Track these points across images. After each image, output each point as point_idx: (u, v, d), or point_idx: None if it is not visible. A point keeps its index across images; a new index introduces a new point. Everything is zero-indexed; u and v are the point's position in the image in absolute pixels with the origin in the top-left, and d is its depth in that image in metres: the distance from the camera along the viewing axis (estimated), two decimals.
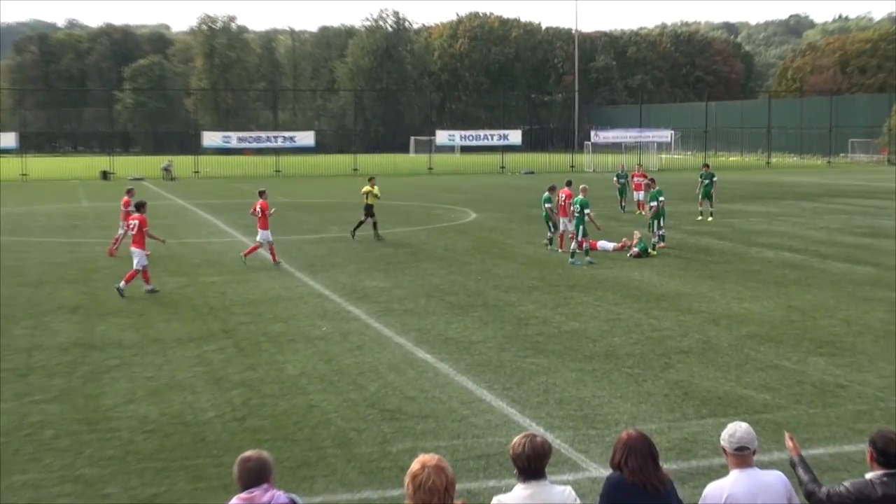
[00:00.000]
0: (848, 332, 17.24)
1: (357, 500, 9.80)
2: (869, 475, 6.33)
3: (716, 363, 15.02)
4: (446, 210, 43.98)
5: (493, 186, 62.51)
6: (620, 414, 12.48)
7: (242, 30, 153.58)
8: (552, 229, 29.51)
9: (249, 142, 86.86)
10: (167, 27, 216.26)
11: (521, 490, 5.97)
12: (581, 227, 26.36)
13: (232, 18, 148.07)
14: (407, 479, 5.33)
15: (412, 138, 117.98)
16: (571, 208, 27.10)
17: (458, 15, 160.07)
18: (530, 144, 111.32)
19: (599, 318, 18.80)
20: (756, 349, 15.96)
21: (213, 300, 21.23)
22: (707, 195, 37.96)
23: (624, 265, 25.96)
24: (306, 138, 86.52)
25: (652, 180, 31.82)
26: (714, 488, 6.40)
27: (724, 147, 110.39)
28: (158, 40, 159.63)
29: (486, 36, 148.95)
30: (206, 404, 13.14)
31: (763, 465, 6.92)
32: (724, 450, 6.47)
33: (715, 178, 38.47)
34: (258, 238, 26.92)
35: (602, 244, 28.72)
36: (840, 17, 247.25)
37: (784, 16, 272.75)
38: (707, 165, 40.02)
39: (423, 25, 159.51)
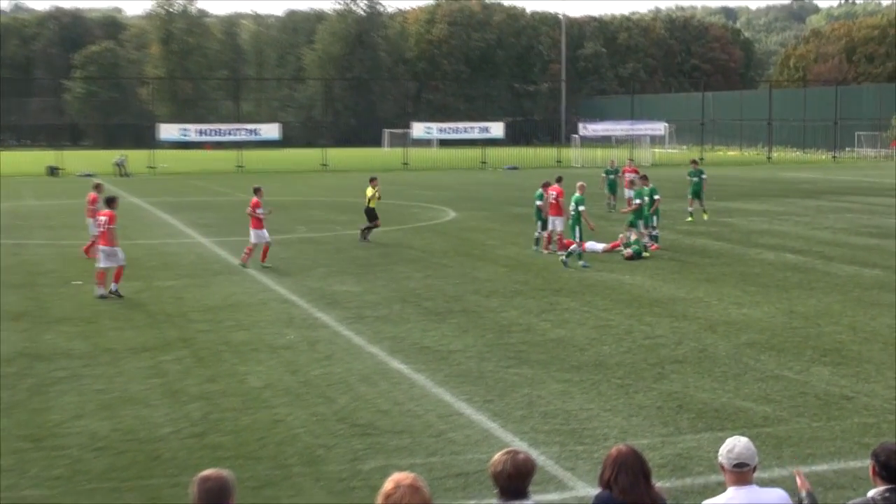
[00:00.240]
0: (854, 340, 17.32)
1: None
2: (871, 492, 6.35)
3: (712, 373, 15.06)
4: (423, 209, 43.98)
5: (474, 183, 62.58)
6: (610, 428, 12.49)
7: (202, 14, 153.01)
8: (541, 229, 29.51)
9: (209, 135, 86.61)
10: (120, 11, 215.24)
11: None
12: (578, 228, 26.34)
13: (191, 1, 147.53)
14: (379, 500, 5.32)
15: (386, 131, 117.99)
16: (570, 207, 27.06)
17: None
18: (513, 138, 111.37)
19: (588, 324, 18.82)
20: (756, 358, 16.02)
21: (170, 306, 21.14)
22: (696, 194, 37.94)
23: (614, 268, 26.01)
24: (271, 131, 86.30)
25: (644, 177, 31.82)
26: None
27: (721, 141, 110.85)
28: (111, 25, 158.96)
29: (465, 21, 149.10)
30: (162, 419, 13.08)
31: (763, 483, 6.95)
32: (721, 466, 6.48)
33: (704, 176, 38.47)
34: (252, 240, 26.74)
35: (591, 245, 28.74)
36: (846, 1, 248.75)
37: (786, 0, 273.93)
38: (695, 161, 39.99)
39: (398, 10, 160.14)
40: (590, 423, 12.69)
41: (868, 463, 6.43)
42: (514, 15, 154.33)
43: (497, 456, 6.02)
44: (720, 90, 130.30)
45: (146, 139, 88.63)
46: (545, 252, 28.66)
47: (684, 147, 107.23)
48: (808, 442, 11.93)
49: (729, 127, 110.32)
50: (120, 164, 74.78)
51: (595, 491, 6.55)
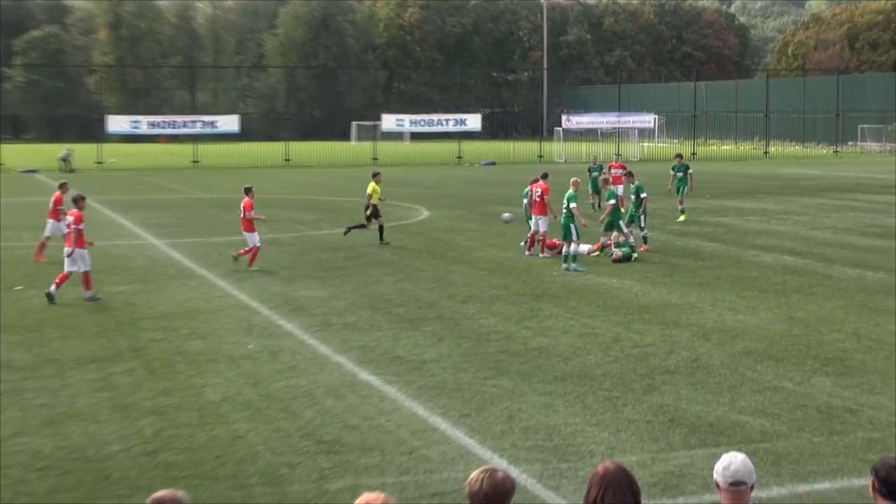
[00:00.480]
0: (858, 348, 17.41)
1: None
2: None
3: (706, 385, 15.11)
4: (394, 207, 43.94)
5: (449, 179, 62.60)
6: (596, 444, 12.52)
7: None
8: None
9: (162, 127, 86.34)
10: None
11: None
12: (572, 227, 26.35)
13: None
14: None
15: (354, 123, 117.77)
16: (563, 205, 27.04)
17: None
18: (491, 131, 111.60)
19: (572, 332, 18.85)
20: (753, 368, 16.08)
21: (120, 313, 21.06)
22: (680, 191, 37.93)
23: (601, 271, 26.07)
24: (230, 123, 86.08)
25: (629, 174, 31.87)
26: None
27: (715, 134, 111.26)
28: (55, 8, 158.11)
29: (439, 4, 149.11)
30: (111, 436, 13.03)
31: (761, 503, 6.97)
32: (716, 485, 6.50)
33: (690, 171, 38.40)
34: (249, 243, 26.98)
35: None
36: None
37: None
38: (680, 156, 39.86)
39: None
40: (574, 439, 12.70)
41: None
42: None
43: (474, 474, 6.01)
44: (713, 79, 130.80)
45: (93, 132, 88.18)
46: (527, 254, 28.70)
47: (675, 141, 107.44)
48: (809, 458, 11.99)
49: (723, 119, 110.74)
50: (65, 159, 74.41)
51: None
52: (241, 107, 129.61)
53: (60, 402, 14.59)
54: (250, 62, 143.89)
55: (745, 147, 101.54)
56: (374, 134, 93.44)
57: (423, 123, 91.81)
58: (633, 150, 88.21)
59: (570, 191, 27.11)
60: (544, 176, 29.55)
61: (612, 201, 28.66)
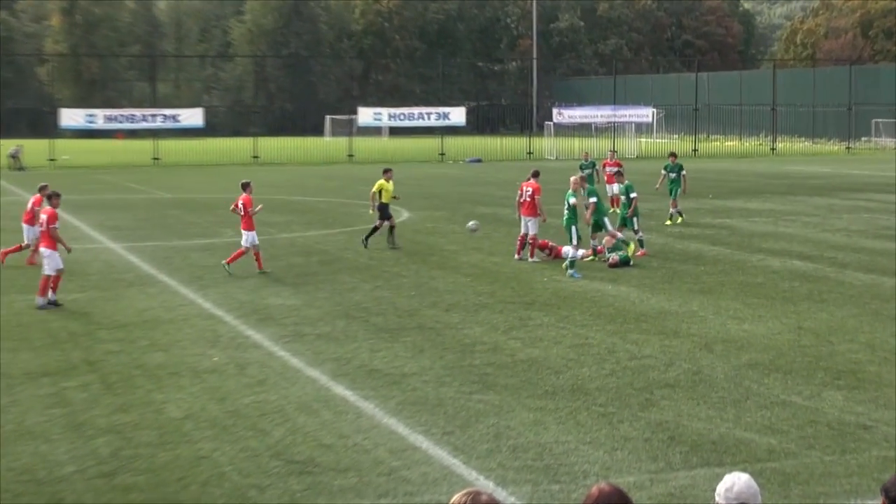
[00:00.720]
0: (872, 360, 17.46)
1: None
2: None
3: (709, 399, 15.14)
4: (371, 208, 43.89)
5: (431, 178, 62.58)
6: (590, 464, 12.53)
7: None
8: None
9: (120, 121, 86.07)
10: None
11: None
12: (574, 229, 26.34)
13: None
14: None
15: (328, 117, 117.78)
16: (567, 205, 27.00)
17: None
18: (477, 125, 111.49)
19: (564, 343, 18.86)
20: (759, 382, 16.11)
21: (74, 323, 21.01)
22: (674, 192, 37.56)
23: (595, 276, 26.10)
24: (193, 117, 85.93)
25: (618, 172, 31.80)
26: None
27: (718, 129, 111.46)
28: None
29: None
30: (64, 456, 12.99)
31: None
32: None
33: (684, 172, 37.94)
34: (243, 242, 27.10)
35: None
36: None
37: None
38: (674, 155, 39.52)
39: None
40: (567, 459, 12.71)
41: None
42: None
43: (456, 497, 6.00)
44: (716, 70, 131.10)
45: (45, 126, 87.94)
46: (516, 258, 28.69)
47: (675, 136, 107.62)
48: (820, 478, 12.01)
49: (727, 113, 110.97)
50: (14, 156, 74.11)
51: None
52: (206, 99, 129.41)
53: (9, 419, 14.53)
54: (215, 51, 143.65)
55: (751, 143, 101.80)
56: (349, 129, 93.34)
57: (402, 117, 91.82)
58: (629, 146, 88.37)
59: (571, 190, 27.09)
60: (535, 174, 29.50)
61: (593, 199, 28.35)
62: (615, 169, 38.48)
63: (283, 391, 15.80)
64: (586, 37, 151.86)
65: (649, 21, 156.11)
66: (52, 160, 75.69)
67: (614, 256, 27.70)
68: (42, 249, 23.02)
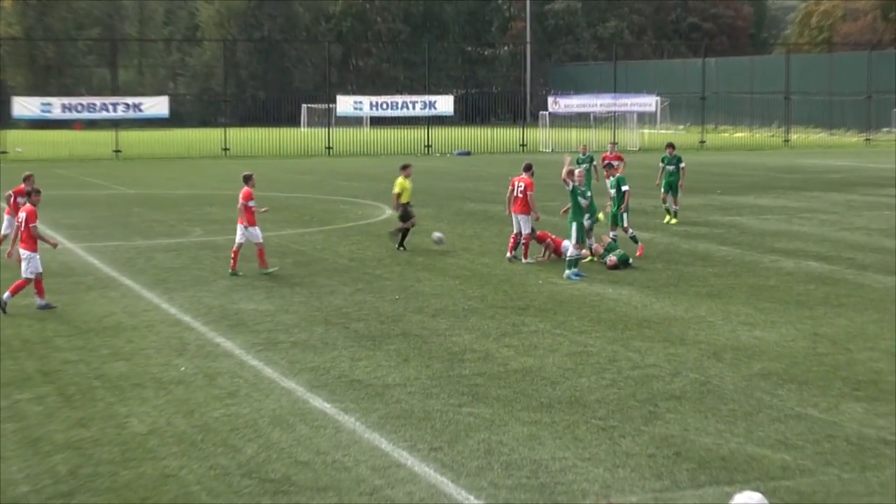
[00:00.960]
0: (894, 369, 17.47)
1: None
2: None
3: (718, 412, 15.15)
4: (351, 204, 43.93)
5: (416, 172, 62.24)
6: (590, 482, 12.53)
7: None
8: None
9: (78, 111, 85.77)
10: None
11: None
12: (575, 225, 26.29)
13: None
14: None
15: (304, 107, 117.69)
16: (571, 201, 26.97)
17: None
18: (466, 115, 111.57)
19: (561, 351, 18.86)
20: (772, 393, 16.13)
21: (28, 330, 20.96)
22: (672, 187, 37.25)
23: (594, 279, 26.10)
24: (157, 106, 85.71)
25: (609, 165, 31.64)
26: None
27: (727, 118, 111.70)
28: None
29: None
30: (18, 475, 12.95)
31: None
32: None
33: (682, 165, 37.63)
34: (238, 239, 27.18)
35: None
36: None
37: None
38: (672, 146, 38.87)
39: None
40: (564, 476, 12.71)
41: None
42: None
43: None
44: (725, 55, 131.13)
45: None
46: (508, 255, 28.64)
47: (680, 127, 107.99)
48: (838, 497, 12.02)
49: (736, 102, 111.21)
50: None
51: None
52: (172, 87, 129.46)
53: None
54: (182, 35, 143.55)
55: (762, 134, 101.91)
56: (327, 119, 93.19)
57: (385, 106, 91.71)
58: (631, 137, 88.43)
59: (577, 184, 27.01)
60: (527, 168, 29.41)
61: (585, 200, 28.25)
62: (617, 163, 38.28)
63: (256, 404, 15.77)
64: (584, 19, 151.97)
65: (652, 2, 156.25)
66: (3, 153, 75.49)
67: (612, 257, 27.64)
68: (21, 251, 22.91)
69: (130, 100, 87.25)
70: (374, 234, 34.59)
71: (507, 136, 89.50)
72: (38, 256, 22.84)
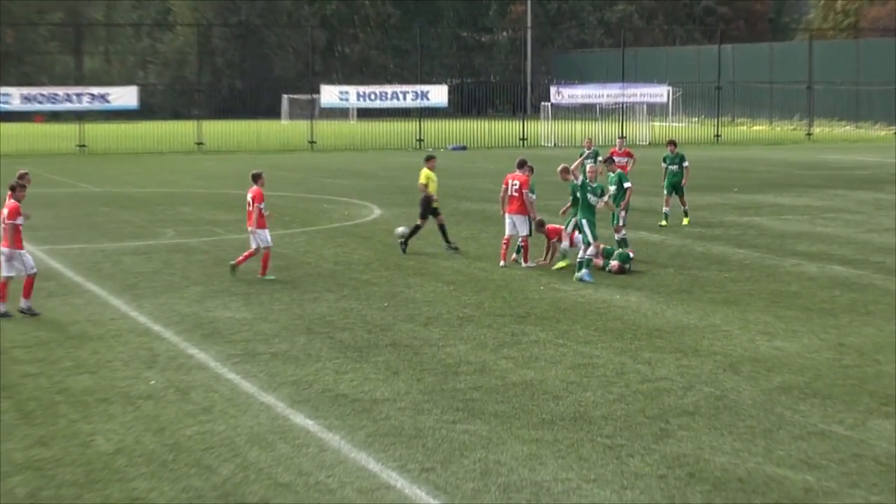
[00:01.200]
0: None
1: None
2: None
3: (735, 429, 15.15)
4: (336, 204, 43.91)
5: (407, 169, 62.54)
6: None
7: None
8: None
9: (39, 101, 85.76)
10: None
11: None
12: (585, 225, 26.28)
13: None
14: None
15: (285, 97, 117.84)
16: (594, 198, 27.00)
17: None
18: (461, 107, 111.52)
19: (564, 363, 18.86)
20: (793, 408, 16.13)
21: None
22: (675, 188, 36.99)
23: (600, 284, 26.08)
24: (126, 96, 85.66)
25: (609, 159, 31.54)
26: None
27: (745, 110, 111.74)
28: None
29: None
30: None
31: None
32: None
33: (686, 164, 37.22)
34: (252, 244, 27.25)
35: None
36: None
37: None
38: (673, 143, 38.41)
39: None
40: (567, 499, 12.71)
41: None
42: None
43: None
44: (742, 42, 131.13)
45: None
46: (501, 264, 28.57)
47: (694, 119, 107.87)
48: None
49: (755, 93, 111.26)
50: None
51: None
52: (141, 76, 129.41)
53: None
54: (152, 19, 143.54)
55: (783, 127, 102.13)
56: (311, 111, 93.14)
57: (373, 97, 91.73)
58: (640, 130, 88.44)
59: (589, 180, 27.00)
60: (521, 164, 29.28)
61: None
62: (626, 159, 38.18)
63: (233, 420, 15.75)
64: (590, 2, 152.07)
65: None
66: None
67: (614, 263, 27.57)
68: (3, 250, 22.98)
69: (96, 90, 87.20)
70: (362, 235, 34.58)
71: (505, 129, 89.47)
72: (25, 253, 23.23)
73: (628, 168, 37.14)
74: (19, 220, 23.15)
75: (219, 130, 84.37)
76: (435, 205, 31.21)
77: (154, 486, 13.22)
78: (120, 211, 41.89)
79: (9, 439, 15.03)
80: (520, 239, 28.66)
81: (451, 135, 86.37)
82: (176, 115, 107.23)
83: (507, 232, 28.81)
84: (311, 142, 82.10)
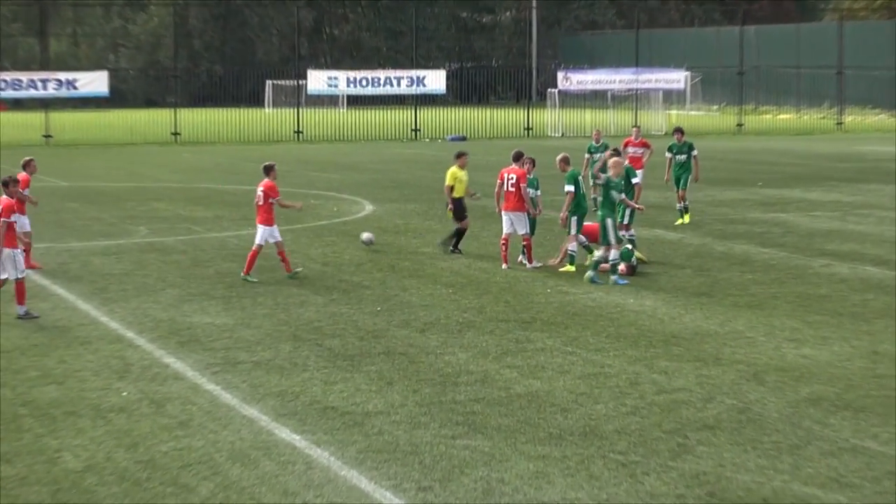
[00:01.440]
0: None
1: None
2: None
3: (760, 445, 15.15)
4: (325, 199, 43.93)
5: (402, 161, 62.63)
6: None
7: None
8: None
9: (2, 88, 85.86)
10: None
11: None
12: (609, 223, 26.27)
13: None
14: None
15: (269, 83, 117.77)
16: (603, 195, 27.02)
17: None
18: (460, 94, 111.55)
19: (573, 372, 18.86)
20: (823, 422, 16.13)
21: None
22: (682, 180, 36.79)
23: (611, 287, 26.09)
24: (95, 83, 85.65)
25: (616, 151, 31.49)
26: None
27: (769, 98, 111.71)
28: None
29: None
30: None
31: None
32: None
33: (695, 153, 37.03)
34: (257, 239, 27.30)
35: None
36: None
37: None
38: (680, 131, 37.88)
39: None
40: None
41: None
42: None
43: None
44: (766, 23, 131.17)
45: None
46: (504, 267, 28.53)
47: (714, 107, 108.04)
48: None
49: (780, 78, 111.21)
50: None
51: None
52: (112, 60, 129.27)
53: None
54: None
55: (811, 116, 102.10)
56: (296, 98, 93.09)
57: (364, 83, 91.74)
58: (656, 120, 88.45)
59: (611, 174, 26.99)
60: (517, 157, 29.09)
61: (570, 188, 28.11)
62: (641, 150, 37.81)
63: (212, 435, 15.75)
64: None
65: None
66: None
67: (622, 266, 27.43)
68: (6, 250, 22.95)
69: (63, 75, 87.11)
70: (352, 233, 34.54)
71: (509, 118, 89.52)
72: (19, 252, 23.31)
73: (644, 159, 37.09)
74: (14, 218, 23.07)
75: (196, 119, 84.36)
76: (460, 194, 30.86)
77: None
78: (88, 207, 41.89)
79: None
80: (523, 238, 28.60)
81: (450, 124, 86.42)
82: (150, 103, 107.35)
83: (505, 230, 28.72)
84: (298, 132, 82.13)
